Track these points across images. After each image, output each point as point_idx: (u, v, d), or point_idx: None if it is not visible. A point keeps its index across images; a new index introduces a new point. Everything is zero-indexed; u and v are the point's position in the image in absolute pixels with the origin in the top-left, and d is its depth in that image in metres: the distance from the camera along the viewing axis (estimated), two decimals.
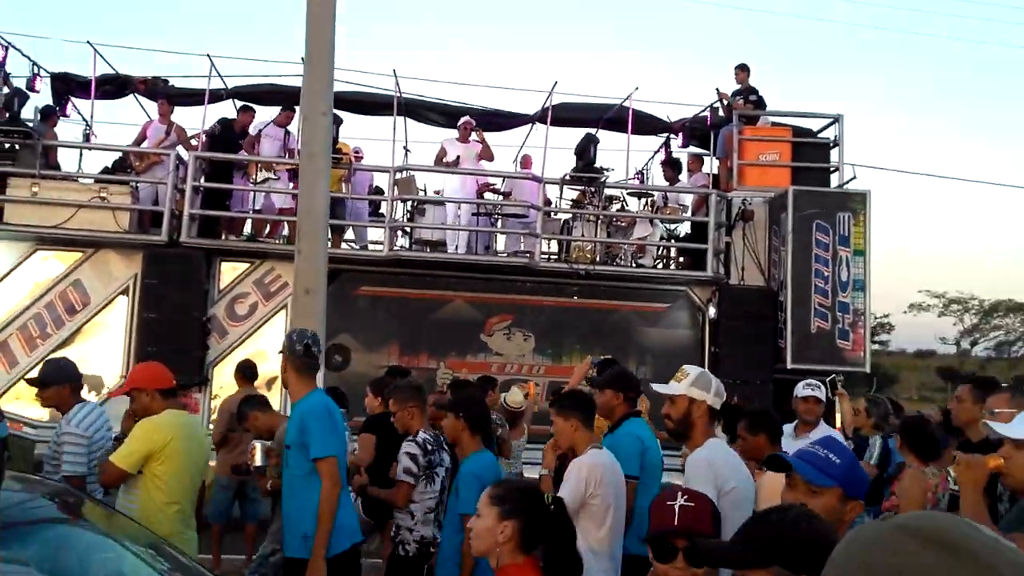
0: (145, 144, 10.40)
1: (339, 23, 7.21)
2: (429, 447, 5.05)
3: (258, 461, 5.06)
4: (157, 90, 11.08)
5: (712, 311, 10.68)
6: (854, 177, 11.00)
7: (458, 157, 10.63)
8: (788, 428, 5.59)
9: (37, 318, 9.77)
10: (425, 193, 11.28)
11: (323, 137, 7.25)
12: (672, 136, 12.07)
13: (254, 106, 11.00)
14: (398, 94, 10.93)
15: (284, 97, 10.68)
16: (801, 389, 5.90)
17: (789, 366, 10.14)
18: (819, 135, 11.46)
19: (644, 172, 12.83)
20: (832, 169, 11.12)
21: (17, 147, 9.93)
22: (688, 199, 11.49)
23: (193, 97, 10.87)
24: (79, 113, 11.79)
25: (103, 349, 9.79)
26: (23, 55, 10.77)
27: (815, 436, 4.84)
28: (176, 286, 9.71)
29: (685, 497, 2.55)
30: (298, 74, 9.10)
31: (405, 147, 11.65)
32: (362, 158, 11.71)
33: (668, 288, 10.92)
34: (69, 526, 3.60)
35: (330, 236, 10.36)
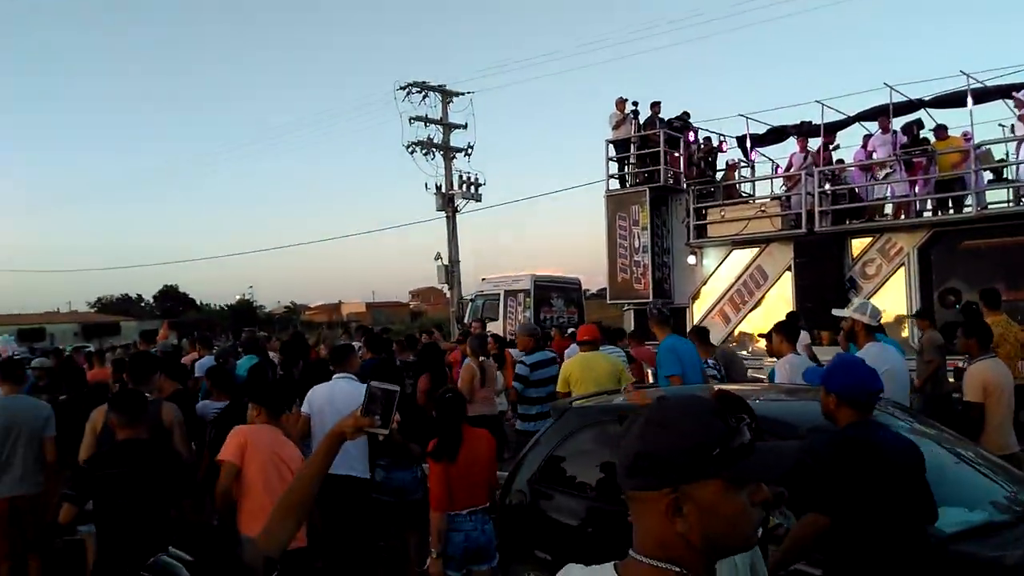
0: (792, 170, 13.25)
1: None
2: None
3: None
4: (801, 130, 13.80)
5: None
6: None
7: None
8: None
9: (738, 291, 13.32)
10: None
11: None
12: None
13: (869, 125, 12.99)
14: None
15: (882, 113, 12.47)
16: None
17: None
18: None
19: None
20: None
21: (712, 189, 13.84)
22: None
23: (815, 131, 13.30)
24: (764, 156, 15.20)
25: (778, 308, 12.78)
26: (709, 132, 14.71)
27: None
28: (818, 261, 12.28)
29: None
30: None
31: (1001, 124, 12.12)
32: (971, 139, 12.50)
33: None
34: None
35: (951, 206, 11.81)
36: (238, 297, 64.91)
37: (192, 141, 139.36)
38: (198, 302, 66.24)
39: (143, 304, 69.36)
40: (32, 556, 5.56)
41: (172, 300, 65.36)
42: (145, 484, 4.07)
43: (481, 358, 7.71)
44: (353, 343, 7.87)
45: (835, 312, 5.55)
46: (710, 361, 6.75)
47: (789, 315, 9.72)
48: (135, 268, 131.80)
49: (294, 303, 72.73)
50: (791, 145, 13.86)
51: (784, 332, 6.01)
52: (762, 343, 10.11)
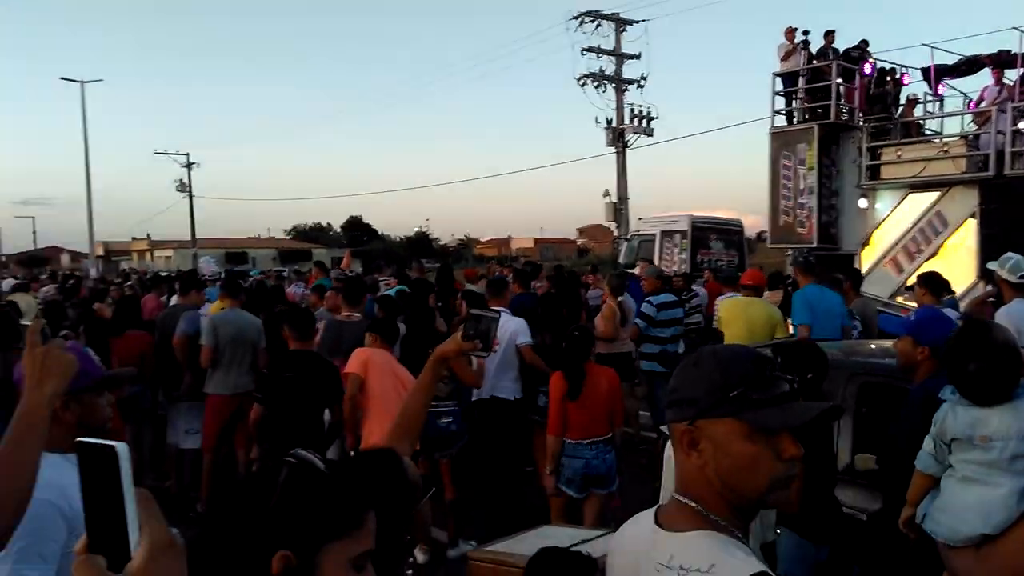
0: (983, 105, 12.00)
1: None
2: None
3: None
4: (998, 60, 12.40)
5: None
6: None
7: None
8: None
9: (913, 239, 12.31)
10: None
11: None
12: None
13: None
14: None
15: None
16: None
17: None
18: None
19: None
20: None
21: (889, 127, 12.81)
22: None
23: (1013, 61, 11.85)
24: (956, 90, 13.76)
25: (959, 259, 11.76)
26: (890, 63, 13.47)
27: None
28: (1007, 208, 11.14)
29: None
30: None
31: None
32: None
33: None
34: None
35: None
36: (416, 229, 68.19)
37: (377, 77, 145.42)
38: (380, 232, 70.24)
39: (331, 232, 74.47)
40: (243, 446, 6.34)
41: (357, 230, 69.69)
42: (309, 387, 4.87)
43: (619, 298, 7.85)
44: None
45: (988, 265, 5.22)
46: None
47: None
48: (326, 199, 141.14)
49: (468, 236, 75.25)
50: (986, 77, 12.51)
51: (927, 284, 5.72)
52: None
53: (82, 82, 34.43)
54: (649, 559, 1.29)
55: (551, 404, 4.84)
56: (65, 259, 60.53)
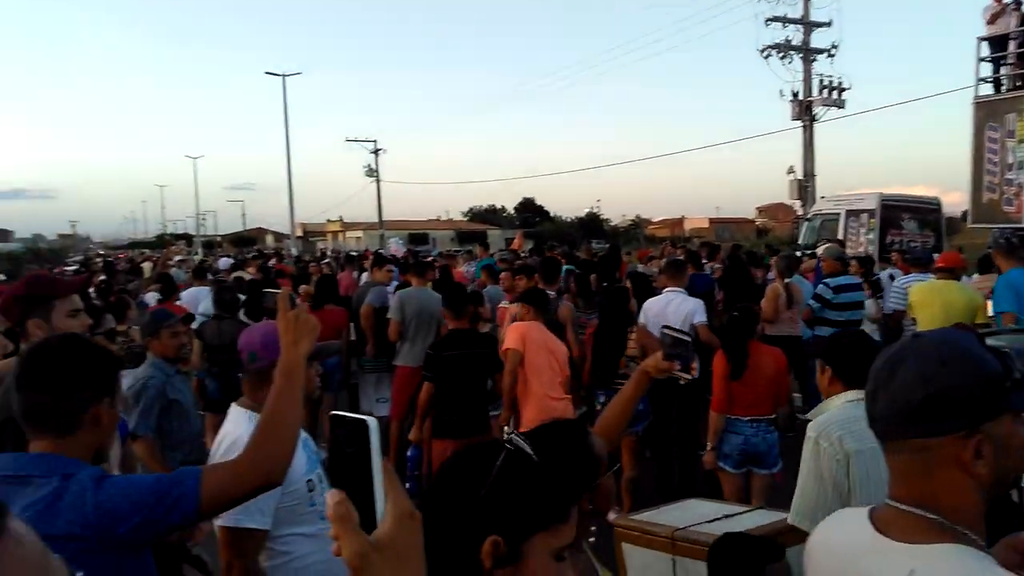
0: None
1: None
2: None
3: None
4: None
5: None
6: None
7: None
8: None
9: None
10: None
11: None
12: None
13: None
14: None
15: None
16: None
17: None
18: None
19: None
20: None
21: None
22: None
23: None
24: None
25: None
26: None
27: None
28: None
29: None
30: None
31: None
32: None
33: None
34: None
35: None
36: (587, 210, 68.34)
37: (553, 59, 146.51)
38: (551, 214, 71.07)
39: (505, 214, 76.24)
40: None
41: (530, 211, 70.88)
42: (469, 363, 5.24)
43: (787, 280, 7.65)
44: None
45: None
46: None
47: None
48: (501, 181, 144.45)
49: (639, 216, 74.46)
50: None
51: None
52: None
53: (283, 76, 37.47)
54: (875, 571, 1.18)
55: (714, 381, 4.87)
56: (269, 239, 66.17)
